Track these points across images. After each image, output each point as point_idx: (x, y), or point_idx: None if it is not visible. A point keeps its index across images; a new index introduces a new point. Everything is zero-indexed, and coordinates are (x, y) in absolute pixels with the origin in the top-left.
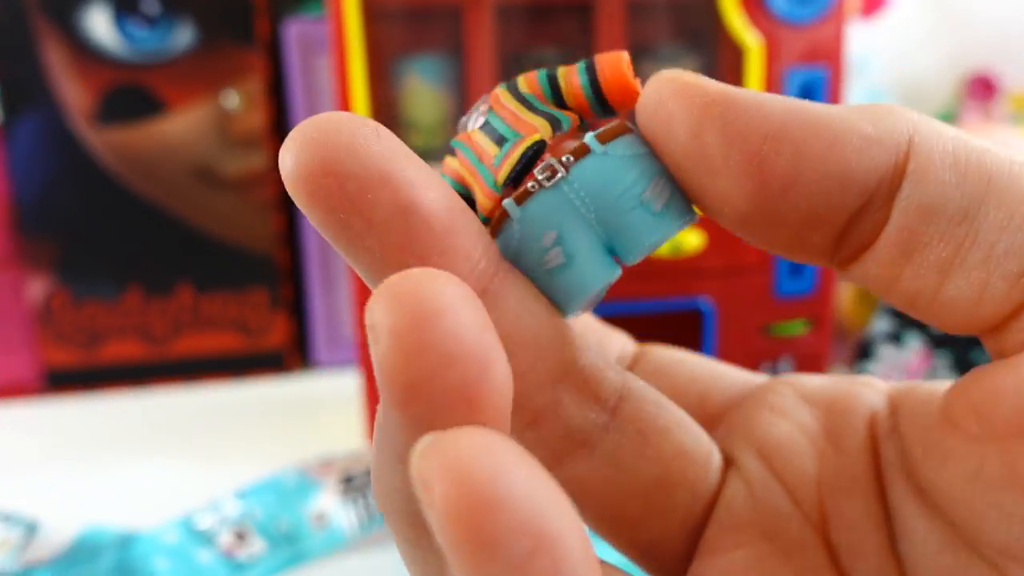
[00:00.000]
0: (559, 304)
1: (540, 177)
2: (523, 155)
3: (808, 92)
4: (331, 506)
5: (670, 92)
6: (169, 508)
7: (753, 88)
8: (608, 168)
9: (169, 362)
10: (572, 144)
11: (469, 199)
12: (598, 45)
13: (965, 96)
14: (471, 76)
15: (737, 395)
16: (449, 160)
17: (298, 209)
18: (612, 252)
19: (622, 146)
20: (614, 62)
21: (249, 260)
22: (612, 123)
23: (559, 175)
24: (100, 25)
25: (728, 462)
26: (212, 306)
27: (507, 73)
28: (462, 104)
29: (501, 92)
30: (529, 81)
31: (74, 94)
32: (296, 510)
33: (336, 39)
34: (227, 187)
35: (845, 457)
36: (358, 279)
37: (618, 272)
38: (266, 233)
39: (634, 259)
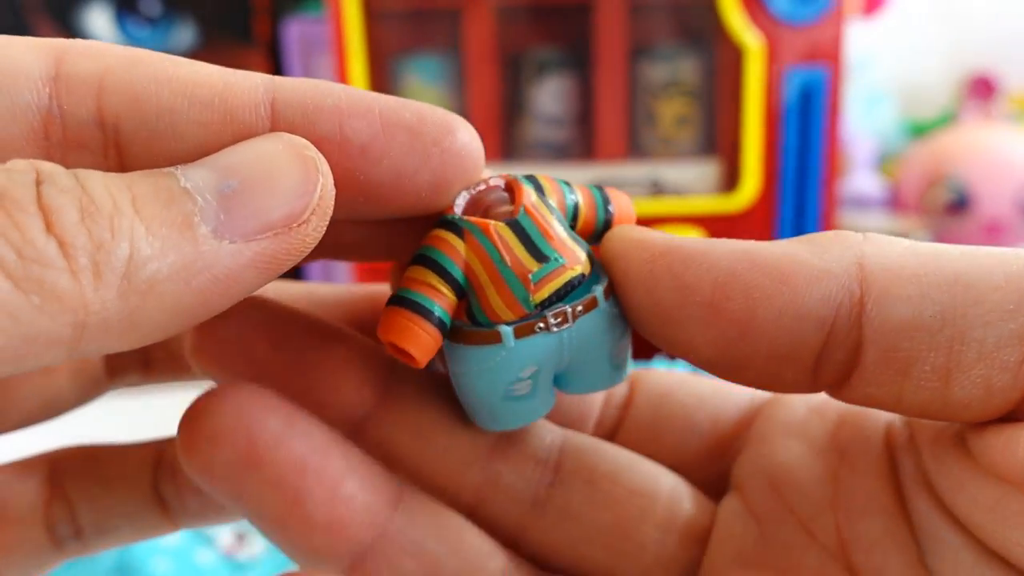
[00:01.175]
0: (488, 422)
1: (552, 321)
2: (567, 283)
3: (808, 92)
4: None
5: (622, 248)
6: None
7: (754, 87)
8: (604, 323)
9: None
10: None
11: (458, 287)
12: (598, 45)
13: (965, 96)
14: (471, 76)
15: (748, 413)
16: (448, 236)
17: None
18: (557, 381)
19: (614, 303)
20: (628, 204)
21: None
22: (608, 279)
23: (567, 325)
24: (100, 25)
25: (734, 489)
26: None
27: (507, 73)
28: (462, 103)
29: (529, 192)
30: (553, 188)
31: None
32: None
33: (336, 39)
34: None
35: (861, 475)
36: (358, 277)
37: (552, 405)
38: None
39: (575, 393)
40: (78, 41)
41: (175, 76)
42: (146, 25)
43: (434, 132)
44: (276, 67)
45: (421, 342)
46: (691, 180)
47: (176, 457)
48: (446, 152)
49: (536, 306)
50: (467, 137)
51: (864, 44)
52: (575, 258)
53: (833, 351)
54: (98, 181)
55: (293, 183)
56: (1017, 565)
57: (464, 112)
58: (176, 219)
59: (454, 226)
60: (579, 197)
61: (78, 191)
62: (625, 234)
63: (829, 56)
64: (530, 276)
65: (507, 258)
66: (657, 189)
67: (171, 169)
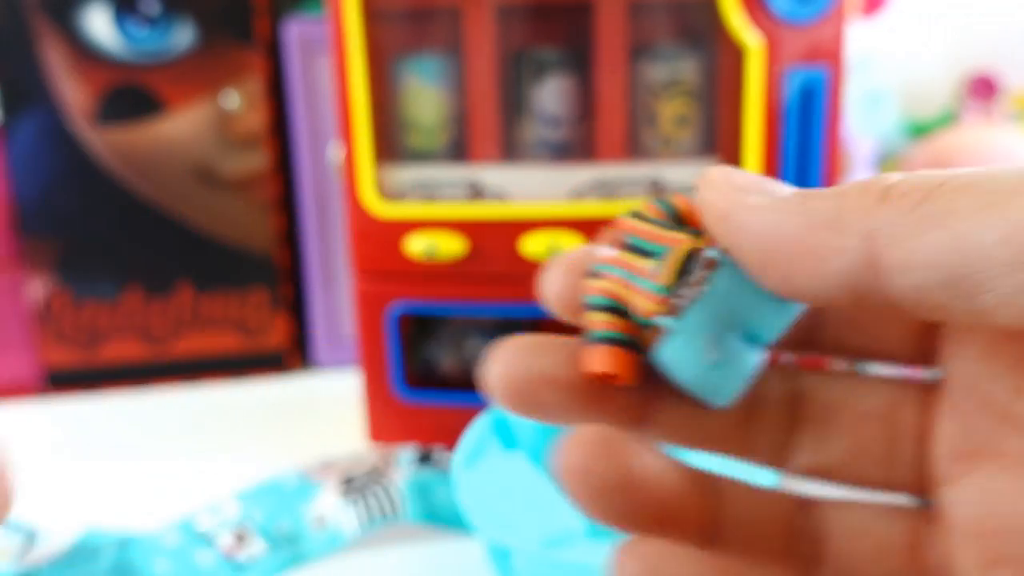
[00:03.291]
0: (715, 397)
1: (691, 292)
2: (684, 258)
3: (808, 92)
4: (331, 508)
5: (732, 202)
6: (169, 509)
7: (754, 87)
8: (736, 274)
9: (169, 362)
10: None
11: (621, 311)
12: (598, 45)
13: (965, 96)
14: (471, 76)
15: None
16: (592, 282)
17: (297, 209)
18: (751, 339)
19: (731, 258)
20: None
21: (249, 260)
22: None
23: (707, 286)
24: (100, 25)
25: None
26: (212, 306)
27: (507, 73)
28: (462, 104)
29: (631, 219)
30: (650, 209)
31: (74, 94)
32: (296, 512)
33: (336, 39)
34: (227, 187)
35: None
36: (357, 278)
37: (762, 357)
38: (266, 233)
39: (774, 338)
40: None
41: None
42: (145, 25)
43: None
44: (276, 67)
45: (623, 362)
46: (691, 180)
47: None
48: None
49: (670, 289)
50: None
51: (864, 44)
52: (678, 240)
53: None
54: None
55: None
56: None
57: (464, 112)
58: None
59: (592, 273)
60: (673, 199)
61: None
62: (721, 179)
63: (829, 56)
64: (652, 270)
65: (629, 268)
66: (657, 189)
67: None
